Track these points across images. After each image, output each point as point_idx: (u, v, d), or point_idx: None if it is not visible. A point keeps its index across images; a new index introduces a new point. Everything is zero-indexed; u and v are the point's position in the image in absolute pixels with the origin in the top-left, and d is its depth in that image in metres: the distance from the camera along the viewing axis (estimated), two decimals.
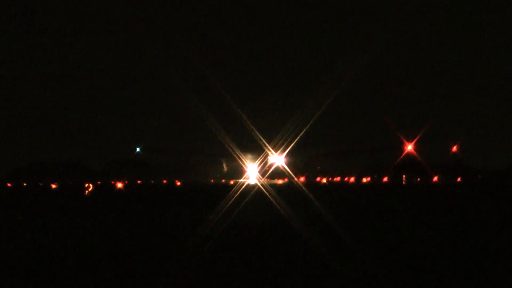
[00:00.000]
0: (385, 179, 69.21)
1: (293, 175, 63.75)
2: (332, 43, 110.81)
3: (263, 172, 64.97)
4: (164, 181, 70.82)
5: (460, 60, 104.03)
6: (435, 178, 67.16)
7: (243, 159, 65.03)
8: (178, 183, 67.78)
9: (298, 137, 61.50)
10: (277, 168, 65.39)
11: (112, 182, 60.03)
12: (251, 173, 64.92)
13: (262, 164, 65.38)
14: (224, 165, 71.57)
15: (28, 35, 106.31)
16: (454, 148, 65.88)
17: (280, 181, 65.50)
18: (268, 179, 68.23)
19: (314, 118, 60.42)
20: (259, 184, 47.32)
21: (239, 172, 68.07)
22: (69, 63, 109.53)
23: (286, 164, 65.18)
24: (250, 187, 45.21)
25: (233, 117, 62.60)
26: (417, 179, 67.47)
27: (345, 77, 64.64)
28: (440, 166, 71.28)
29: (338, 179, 73.22)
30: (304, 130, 60.93)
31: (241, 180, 61.12)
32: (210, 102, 66.22)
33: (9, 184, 63.62)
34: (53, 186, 58.35)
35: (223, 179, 70.26)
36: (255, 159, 65.43)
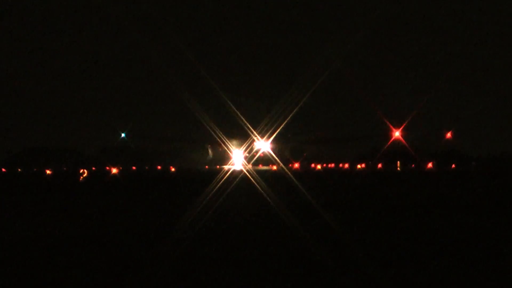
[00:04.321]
0: (380, 165, 69.42)
1: (279, 161, 63.52)
2: (319, 29, 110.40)
3: (249, 158, 64.63)
4: (159, 167, 70.73)
5: (453, 47, 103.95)
6: (430, 165, 67.34)
7: (228, 145, 64.66)
8: (173, 169, 67.71)
9: (284, 123, 61.39)
10: (263, 154, 65.14)
11: (107, 168, 59.86)
12: (237, 159, 64.45)
13: (248, 150, 65.10)
14: (210, 151, 71.27)
15: (21, 27, 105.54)
16: (448, 135, 65.96)
17: (274, 167, 65.03)
18: (261, 165, 67.99)
19: (301, 104, 60.28)
20: (244, 171, 46.81)
21: (224, 158, 67.68)
22: (59, 51, 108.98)
23: (272, 150, 64.94)
24: (236, 173, 44.94)
25: (218, 102, 62.39)
26: (411, 165, 67.65)
27: (333, 62, 64.41)
28: (435, 153, 71.46)
29: (332, 165, 73.32)
30: (290, 116, 60.83)
31: (227, 167, 60.67)
32: (195, 87, 65.90)
33: (3, 169, 63.53)
34: (48, 172, 58.20)
35: (208, 165, 69.84)
36: (240, 145, 65.06)
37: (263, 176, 40.74)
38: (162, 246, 12.49)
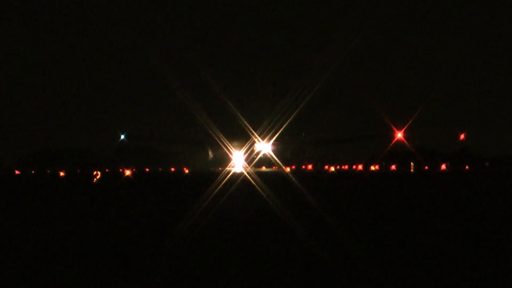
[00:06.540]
0: (393, 167, 69.18)
1: (280, 163, 62.98)
2: (321, 28, 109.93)
3: (249, 160, 63.77)
4: (172, 169, 70.81)
5: (463, 46, 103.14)
6: (443, 166, 66.96)
7: (228, 147, 63.88)
8: (187, 171, 67.73)
9: (286, 124, 60.90)
10: (265, 156, 64.42)
11: (120, 170, 59.94)
12: (237, 161, 63.42)
13: (249, 151, 64.28)
14: (210, 153, 70.84)
15: (32, 26, 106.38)
16: (462, 136, 65.45)
17: (288, 169, 63.95)
18: (275, 167, 67.57)
19: (302, 105, 59.82)
20: (245, 173, 45.61)
21: (224, 159, 66.74)
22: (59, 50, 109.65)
23: (274, 152, 64.22)
24: (236, 176, 43.62)
25: (218, 103, 62.10)
26: (424, 167, 67.24)
27: (334, 62, 63.96)
28: (448, 154, 71.08)
29: (346, 167, 73.09)
30: (292, 117, 60.36)
31: (227, 169, 59.74)
32: (195, 88, 65.59)
33: (17, 172, 63.90)
34: (61, 173, 58.47)
35: (209, 166, 69.27)
36: (241, 147, 64.20)
37: (267, 181, 39.30)
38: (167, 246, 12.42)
